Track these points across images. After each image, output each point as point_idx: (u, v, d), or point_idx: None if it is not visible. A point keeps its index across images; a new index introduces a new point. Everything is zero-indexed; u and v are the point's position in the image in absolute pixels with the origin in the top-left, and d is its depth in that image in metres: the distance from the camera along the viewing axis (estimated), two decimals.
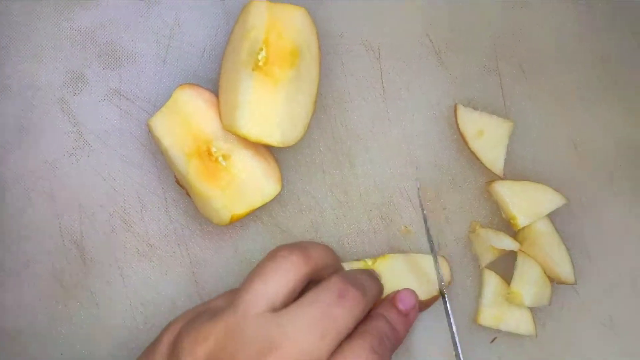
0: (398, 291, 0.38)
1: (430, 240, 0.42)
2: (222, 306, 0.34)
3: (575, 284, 0.41)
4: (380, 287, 0.37)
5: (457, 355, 0.39)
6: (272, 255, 0.34)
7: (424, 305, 0.40)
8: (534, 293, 0.40)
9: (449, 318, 0.40)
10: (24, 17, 0.43)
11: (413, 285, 0.39)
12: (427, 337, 0.42)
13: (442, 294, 0.40)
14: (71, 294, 0.41)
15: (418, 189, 0.42)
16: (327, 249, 0.37)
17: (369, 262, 0.41)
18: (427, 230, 0.42)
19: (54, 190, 0.42)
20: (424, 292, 0.40)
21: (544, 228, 0.41)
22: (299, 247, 0.34)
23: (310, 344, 0.31)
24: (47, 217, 0.42)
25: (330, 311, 0.32)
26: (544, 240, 0.41)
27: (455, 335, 0.39)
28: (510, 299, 0.40)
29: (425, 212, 0.42)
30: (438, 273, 0.41)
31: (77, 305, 0.41)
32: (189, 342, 0.32)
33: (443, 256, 0.42)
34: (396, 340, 0.35)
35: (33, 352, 0.41)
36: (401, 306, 0.37)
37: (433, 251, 0.41)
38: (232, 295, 0.34)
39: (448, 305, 0.40)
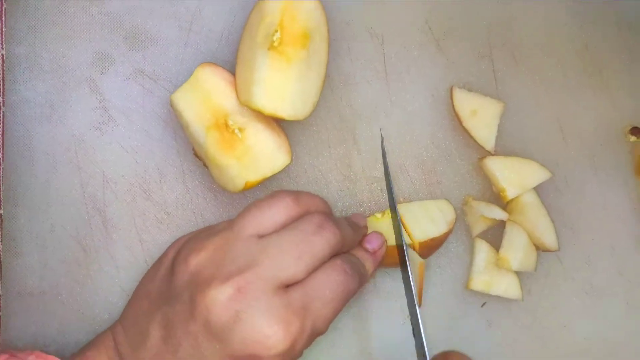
0: (367, 234, 0.42)
1: (390, 190, 0.43)
2: (221, 228, 0.38)
3: (559, 250, 0.44)
4: (358, 234, 0.41)
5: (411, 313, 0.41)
6: (272, 194, 0.39)
7: (435, 244, 0.43)
8: (520, 258, 0.43)
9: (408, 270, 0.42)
10: (55, 1, 0.45)
11: (425, 227, 0.43)
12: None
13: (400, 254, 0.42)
14: (93, 258, 0.44)
15: (382, 137, 0.45)
16: (322, 201, 0.41)
17: (379, 216, 0.44)
18: (388, 181, 0.44)
19: (79, 161, 0.44)
20: (433, 231, 0.43)
21: (531, 200, 0.44)
22: (295, 192, 0.39)
23: (286, 263, 0.34)
24: (72, 185, 0.44)
25: (308, 238, 0.35)
26: (531, 211, 0.44)
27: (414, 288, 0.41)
28: (499, 264, 0.43)
29: (387, 162, 0.44)
30: (397, 225, 0.43)
31: (97, 268, 0.44)
32: (186, 253, 0.36)
33: (447, 199, 0.45)
34: (364, 273, 0.39)
35: (55, 311, 0.43)
36: (368, 245, 0.41)
37: (392, 202, 0.43)
38: (232, 222, 0.38)
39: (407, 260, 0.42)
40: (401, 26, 0.47)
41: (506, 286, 0.44)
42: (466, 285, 0.45)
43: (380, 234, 0.42)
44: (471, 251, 0.45)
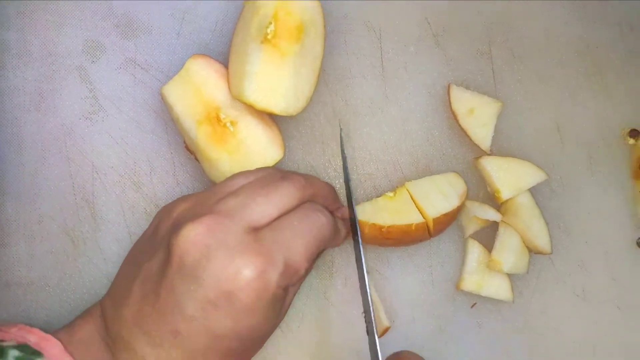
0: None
1: (347, 182, 0.43)
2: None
3: (551, 254, 0.44)
4: (331, 190, 0.41)
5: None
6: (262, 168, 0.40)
7: (448, 219, 0.42)
8: (512, 261, 0.42)
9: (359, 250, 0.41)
10: None
11: (436, 203, 0.43)
12: (412, 300, 0.45)
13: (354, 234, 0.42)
14: (81, 250, 0.43)
15: (340, 129, 0.45)
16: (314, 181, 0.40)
17: (390, 194, 0.43)
18: (346, 176, 0.43)
19: (69, 151, 0.44)
20: (446, 206, 0.43)
21: (525, 201, 0.43)
22: (285, 172, 0.39)
23: (255, 202, 0.36)
24: (61, 176, 0.44)
25: (274, 183, 0.37)
26: (525, 213, 0.43)
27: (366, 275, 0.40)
28: (490, 266, 0.43)
29: (345, 155, 0.44)
30: (354, 217, 0.42)
31: (86, 260, 0.43)
32: (170, 206, 0.38)
33: (456, 172, 0.44)
34: (338, 227, 0.39)
35: (43, 303, 0.43)
36: (339, 214, 0.41)
37: (348, 194, 0.43)
38: None
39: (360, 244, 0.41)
40: (399, 21, 0.46)
41: (497, 287, 0.43)
42: (457, 286, 0.44)
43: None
44: (463, 251, 0.45)
